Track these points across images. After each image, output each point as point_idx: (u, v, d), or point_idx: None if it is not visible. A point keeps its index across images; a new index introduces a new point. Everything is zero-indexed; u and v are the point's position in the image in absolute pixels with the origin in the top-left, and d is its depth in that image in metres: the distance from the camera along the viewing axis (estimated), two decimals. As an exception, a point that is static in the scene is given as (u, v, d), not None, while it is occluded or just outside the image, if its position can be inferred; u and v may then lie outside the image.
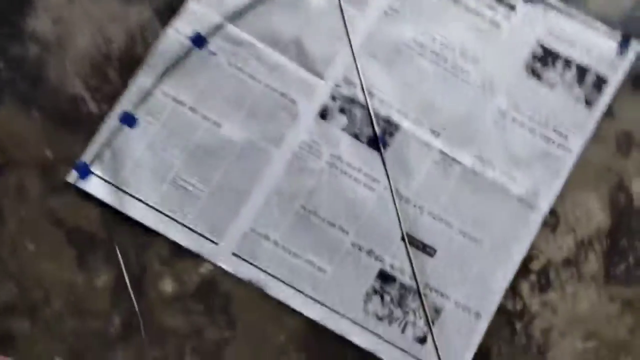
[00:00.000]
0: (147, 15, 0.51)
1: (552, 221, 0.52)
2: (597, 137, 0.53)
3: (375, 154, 0.51)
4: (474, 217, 0.51)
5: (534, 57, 0.54)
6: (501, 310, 0.49)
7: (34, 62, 0.49)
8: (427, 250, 0.50)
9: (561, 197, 0.52)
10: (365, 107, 0.51)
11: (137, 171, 0.48)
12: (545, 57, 0.54)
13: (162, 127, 0.49)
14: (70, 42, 0.50)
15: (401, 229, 0.50)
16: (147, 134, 0.49)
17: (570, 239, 0.51)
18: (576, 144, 0.53)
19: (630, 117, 0.54)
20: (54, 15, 0.50)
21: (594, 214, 0.52)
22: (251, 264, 0.48)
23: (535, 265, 0.51)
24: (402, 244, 0.50)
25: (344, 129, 0.51)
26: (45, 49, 0.49)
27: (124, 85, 0.49)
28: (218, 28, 0.51)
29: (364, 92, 0.51)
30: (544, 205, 0.51)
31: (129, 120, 0.48)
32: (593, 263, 0.51)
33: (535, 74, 0.54)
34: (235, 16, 0.51)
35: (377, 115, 0.51)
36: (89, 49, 0.49)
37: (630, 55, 0.54)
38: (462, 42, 0.53)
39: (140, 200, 0.48)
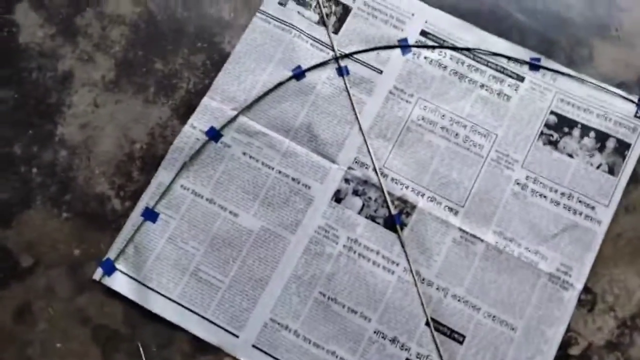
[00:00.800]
0: (167, 115, 0.54)
1: (588, 300, 0.49)
2: (627, 206, 0.51)
3: (392, 235, 0.50)
4: (502, 299, 0.48)
5: (548, 125, 0.53)
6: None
7: (63, 166, 0.52)
8: (454, 336, 0.48)
9: (595, 273, 0.49)
10: (379, 188, 0.51)
11: (158, 265, 0.49)
12: (560, 125, 0.53)
13: (182, 219, 0.51)
14: (96, 145, 0.53)
15: (425, 314, 0.48)
16: (167, 228, 0.50)
17: (610, 320, 0.48)
18: (605, 214, 0.50)
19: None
20: (81, 121, 0.54)
21: (634, 290, 0.49)
22: (272, 356, 0.47)
23: (575, 350, 0.47)
24: (427, 329, 0.47)
25: (359, 212, 0.51)
26: (73, 153, 0.53)
27: (146, 182, 0.51)
28: (231, 121, 0.53)
29: (376, 173, 0.52)
30: (578, 283, 0.49)
31: (150, 215, 0.50)
32: None
33: (551, 143, 0.53)
34: (247, 108, 0.54)
35: (391, 195, 0.51)
36: (114, 150, 0.53)
37: None
38: (471, 117, 0.53)
39: (162, 295, 0.49)
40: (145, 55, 0.56)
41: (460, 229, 0.50)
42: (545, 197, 0.51)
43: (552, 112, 0.53)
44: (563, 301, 0.48)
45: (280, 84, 0.54)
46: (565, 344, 0.47)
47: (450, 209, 0.51)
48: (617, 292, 0.49)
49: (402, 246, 0.50)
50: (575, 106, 0.53)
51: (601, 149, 0.52)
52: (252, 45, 0.55)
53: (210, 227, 0.51)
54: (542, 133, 0.53)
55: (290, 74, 0.54)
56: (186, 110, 0.54)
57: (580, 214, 0.50)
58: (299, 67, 0.55)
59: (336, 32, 0.55)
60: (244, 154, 0.53)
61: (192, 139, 0.53)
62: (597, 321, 0.48)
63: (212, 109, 0.54)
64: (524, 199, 0.51)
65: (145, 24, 0.57)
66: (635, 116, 0.52)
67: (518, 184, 0.52)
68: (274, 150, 0.53)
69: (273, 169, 0.52)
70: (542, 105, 0.54)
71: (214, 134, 0.53)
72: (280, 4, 0.56)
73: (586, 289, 0.48)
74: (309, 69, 0.55)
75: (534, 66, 0.54)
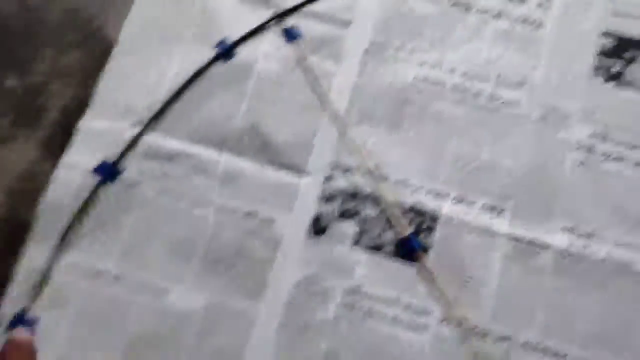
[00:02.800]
0: (33, 155, 0.35)
1: None
2: None
3: (412, 268, 0.33)
4: (598, 331, 0.31)
5: (605, 53, 0.36)
6: None
7: None
8: (541, 408, 0.31)
9: None
10: (379, 200, 0.34)
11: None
12: (622, 49, 0.36)
13: (77, 319, 0.32)
14: None
15: (487, 380, 0.31)
16: (55, 338, 0.32)
17: None
18: None
19: None
20: None
21: None
22: None
23: None
24: (496, 404, 0.31)
25: (355, 243, 0.33)
26: None
27: (7, 269, 0.33)
28: (133, 144, 0.34)
29: (370, 176, 0.34)
30: None
31: (25, 322, 0.32)
32: None
33: (614, 77, 0.35)
34: (155, 120, 0.35)
35: (401, 207, 0.34)
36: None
37: None
38: (493, 63, 0.35)
39: None
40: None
41: (512, 237, 0.33)
42: (624, 159, 0.34)
43: (605, 34, 0.36)
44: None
45: (199, 72, 0.35)
46: None
47: (492, 208, 0.34)
48: None
49: (431, 282, 0.33)
50: (637, 17, 0.36)
51: (690, 71, 0.35)
52: (147, 21, 0.36)
53: (125, 321, 0.32)
54: (597, 67, 0.36)
55: (212, 53, 0.36)
56: (61, 142, 0.35)
57: None
58: (223, 40, 0.37)
59: (269, -25, 0.37)
60: (161, 191, 0.34)
61: (74, 185, 0.33)
62: None
63: (99, 132, 0.35)
64: (595, 168, 0.34)
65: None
66: None
67: (581, 147, 0.34)
68: (207, 175, 0.34)
69: (210, 205, 0.34)
70: (589, 25, 0.36)
71: (108, 171, 0.34)
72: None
73: None
74: (240, 41, 0.36)
75: (566, -30, 0.37)
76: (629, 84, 0.35)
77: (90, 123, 0.35)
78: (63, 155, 0.34)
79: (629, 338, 0.31)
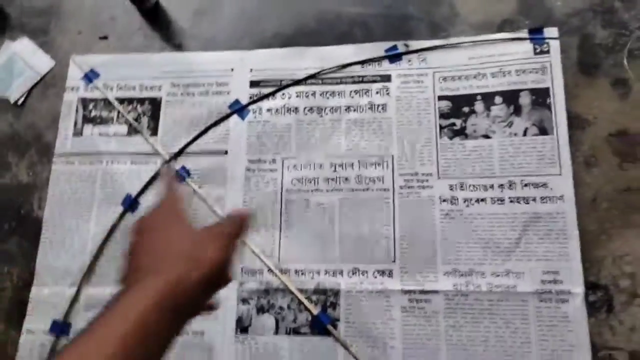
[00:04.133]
0: (1, 328, 0.42)
1: (600, 299, 0.36)
2: (586, 159, 0.39)
3: (328, 339, 0.37)
4: (496, 355, 0.35)
5: (444, 114, 0.42)
6: None
7: None
8: None
9: (590, 261, 0.37)
10: (287, 290, 0.39)
11: None
12: (457, 107, 0.42)
13: None
14: None
15: None
16: None
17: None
18: (563, 184, 0.38)
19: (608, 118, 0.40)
20: None
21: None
22: None
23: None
24: None
25: (276, 331, 0.38)
26: None
27: None
28: (74, 301, 0.41)
29: (275, 274, 0.39)
30: (576, 286, 0.36)
31: None
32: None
33: (458, 133, 0.41)
34: (87, 276, 0.41)
35: (305, 291, 0.38)
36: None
37: (554, 44, 0.42)
38: (353, 150, 0.42)
39: None
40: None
41: (405, 291, 0.38)
42: (483, 200, 0.39)
43: (440, 98, 0.43)
44: (569, 317, 0.36)
45: (113, 228, 0.42)
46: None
47: (382, 272, 0.39)
48: (631, 270, 0.36)
49: (346, 348, 0.37)
50: (463, 78, 0.43)
51: (517, 111, 0.41)
52: (63, 198, 0.44)
53: None
54: (441, 127, 0.42)
55: (120, 209, 0.43)
56: (20, 313, 0.41)
57: (534, 199, 0.38)
58: (128, 196, 0.43)
59: (154, 132, 0.45)
60: None
61: (36, 347, 0.40)
62: (626, 320, 0.35)
63: (46, 297, 0.41)
64: (460, 215, 0.39)
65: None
66: (536, 53, 0.42)
67: (444, 200, 0.40)
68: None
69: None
70: (425, 95, 0.43)
71: (60, 328, 0.40)
72: (76, 135, 0.45)
73: (591, 287, 0.36)
74: (140, 193, 0.43)
75: (394, 57, 0.44)
76: (472, 134, 0.41)
77: (38, 291, 0.42)
78: (24, 323, 0.40)
79: (526, 356, 0.36)
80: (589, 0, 0.42)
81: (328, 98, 0.43)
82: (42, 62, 0.47)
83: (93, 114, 0.45)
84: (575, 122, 0.39)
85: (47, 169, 0.45)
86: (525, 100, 0.41)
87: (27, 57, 0.48)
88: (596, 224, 0.37)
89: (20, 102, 0.47)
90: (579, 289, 0.36)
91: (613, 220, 0.37)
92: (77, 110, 0.45)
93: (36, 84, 0.47)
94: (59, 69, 0.47)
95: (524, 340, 0.35)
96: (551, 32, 0.41)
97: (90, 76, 0.46)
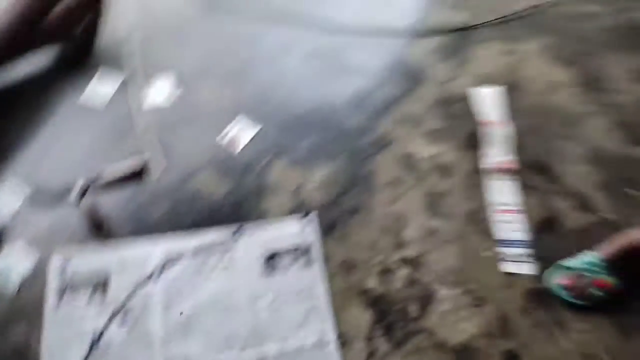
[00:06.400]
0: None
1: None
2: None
3: None
4: None
5: (267, 259, 0.81)
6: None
7: None
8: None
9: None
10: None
11: None
12: (272, 257, 0.81)
13: None
14: None
15: None
16: None
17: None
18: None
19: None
20: None
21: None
22: None
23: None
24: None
25: None
26: None
27: None
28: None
29: None
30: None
31: None
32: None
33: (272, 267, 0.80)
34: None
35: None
36: None
37: (310, 218, 0.82)
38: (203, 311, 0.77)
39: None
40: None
41: None
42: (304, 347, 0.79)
43: (262, 254, 0.87)
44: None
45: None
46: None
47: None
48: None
49: None
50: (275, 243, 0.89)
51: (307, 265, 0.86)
52: None
53: None
54: (265, 267, 0.86)
55: None
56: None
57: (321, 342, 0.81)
58: None
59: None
60: None
61: None
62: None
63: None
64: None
65: None
66: (302, 230, 0.87)
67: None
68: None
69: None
70: (257, 252, 0.86)
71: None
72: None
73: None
74: None
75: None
76: (277, 265, 0.81)
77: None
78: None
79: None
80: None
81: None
82: None
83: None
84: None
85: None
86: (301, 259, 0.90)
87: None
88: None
89: None
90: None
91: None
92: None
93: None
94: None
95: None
96: (311, 218, 0.91)
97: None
